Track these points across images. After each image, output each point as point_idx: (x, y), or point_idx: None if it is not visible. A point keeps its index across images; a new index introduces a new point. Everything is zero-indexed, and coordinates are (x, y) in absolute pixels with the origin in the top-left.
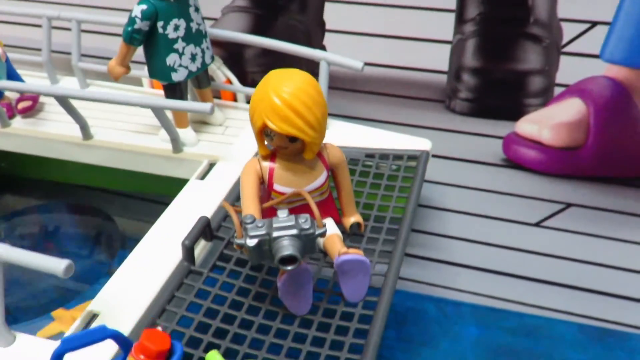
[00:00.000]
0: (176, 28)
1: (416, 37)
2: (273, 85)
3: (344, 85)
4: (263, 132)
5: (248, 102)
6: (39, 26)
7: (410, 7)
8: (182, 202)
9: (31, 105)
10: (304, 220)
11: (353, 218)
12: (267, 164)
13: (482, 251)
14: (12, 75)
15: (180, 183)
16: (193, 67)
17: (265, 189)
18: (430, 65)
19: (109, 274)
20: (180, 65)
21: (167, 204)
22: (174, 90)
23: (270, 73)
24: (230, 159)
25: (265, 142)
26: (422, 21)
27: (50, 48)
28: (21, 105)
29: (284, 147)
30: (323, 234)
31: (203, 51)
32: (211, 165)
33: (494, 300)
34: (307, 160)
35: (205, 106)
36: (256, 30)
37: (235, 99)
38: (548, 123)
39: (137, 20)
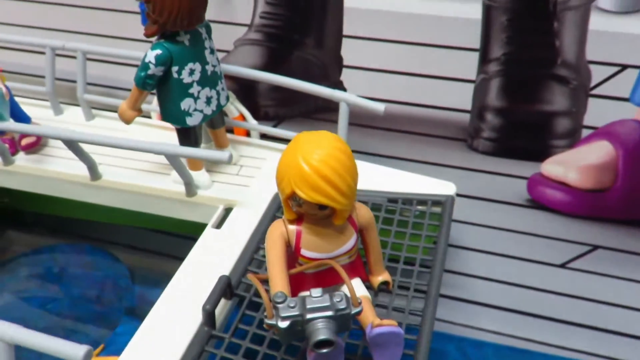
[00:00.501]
0: (191, 72)
1: (437, 76)
2: (302, 151)
3: (362, 121)
4: (291, 199)
5: (261, 137)
6: (43, 53)
7: (432, 45)
8: (198, 255)
9: (35, 142)
10: (339, 299)
11: (381, 277)
12: (294, 228)
13: (505, 291)
14: (17, 112)
15: (194, 225)
16: (208, 111)
17: (292, 253)
18: (452, 104)
19: (126, 314)
20: (195, 110)
21: (176, 236)
22: (188, 134)
23: (299, 137)
24: (247, 205)
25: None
26: (444, 59)
27: (54, 78)
28: (25, 142)
29: (313, 214)
30: (359, 313)
31: (218, 93)
32: (227, 211)
33: (516, 341)
34: (335, 224)
35: (223, 155)
36: (270, 64)
37: (248, 135)
38: (575, 165)
39: (151, 66)
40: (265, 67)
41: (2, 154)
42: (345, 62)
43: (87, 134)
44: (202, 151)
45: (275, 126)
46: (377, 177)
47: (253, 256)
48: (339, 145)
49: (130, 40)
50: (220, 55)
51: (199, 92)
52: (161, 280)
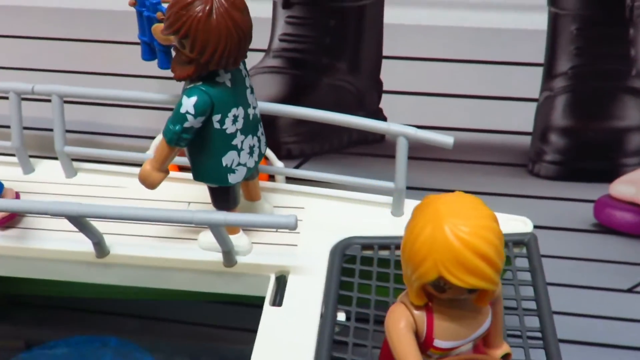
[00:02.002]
0: (235, 120)
1: (493, 96)
2: (449, 223)
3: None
4: (432, 283)
5: (287, 180)
6: (6, 98)
7: (487, 62)
8: (265, 346)
9: (12, 214)
10: None
11: (500, 350)
12: (422, 314)
13: (567, 323)
14: None
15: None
16: (251, 163)
17: (420, 343)
18: (509, 127)
19: None
20: (238, 164)
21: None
22: (226, 194)
23: (434, 202)
24: (303, 270)
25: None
26: (501, 77)
27: (22, 128)
28: None
29: (456, 299)
30: None
31: (259, 140)
32: (278, 280)
33: None
34: (471, 303)
35: (289, 221)
36: (293, 94)
37: (272, 179)
38: None
39: (189, 117)
40: (288, 99)
41: None
42: (385, 87)
43: (101, 207)
44: (260, 217)
45: (299, 165)
46: None
47: (333, 338)
48: (485, 211)
49: (115, 76)
50: None
51: (242, 142)
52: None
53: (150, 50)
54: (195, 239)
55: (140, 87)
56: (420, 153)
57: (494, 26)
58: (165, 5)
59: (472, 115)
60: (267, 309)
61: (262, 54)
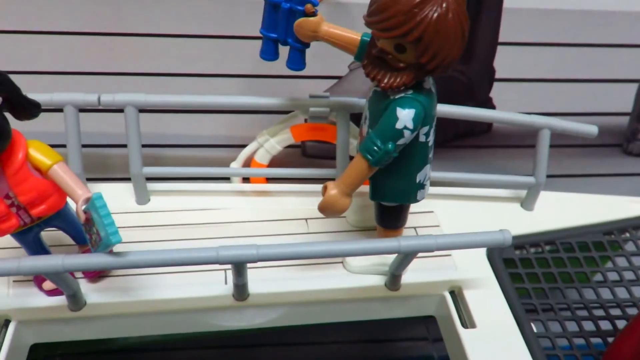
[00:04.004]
0: (435, 130)
1: (597, 79)
2: None
3: (507, 141)
4: None
5: None
6: (60, 111)
7: (597, 45)
8: None
9: None
10: None
11: None
12: None
13: None
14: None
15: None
16: (430, 175)
17: None
18: (608, 108)
19: None
20: (427, 178)
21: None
22: (402, 211)
23: None
24: (473, 284)
25: None
26: (608, 60)
27: (81, 148)
28: None
29: None
30: None
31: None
32: (450, 295)
33: None
34: None
35: (505, 236)
36: None
37: None
38: None
39: (406, 134)
40: None
41: (71, 296)
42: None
43: (288, 247)
44: (473, 237)
45: None
46: (570, 207)
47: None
48: None
49: (181, 76)
50: (331, 81)
51: (432, 153)
52: None
53: (274, 48)
54: (337, 263)
55: (208, 87)
56: (518, 141)
57: (606, 9)
58: None
59: (573, 98)
60: (464, 333)
61: None
